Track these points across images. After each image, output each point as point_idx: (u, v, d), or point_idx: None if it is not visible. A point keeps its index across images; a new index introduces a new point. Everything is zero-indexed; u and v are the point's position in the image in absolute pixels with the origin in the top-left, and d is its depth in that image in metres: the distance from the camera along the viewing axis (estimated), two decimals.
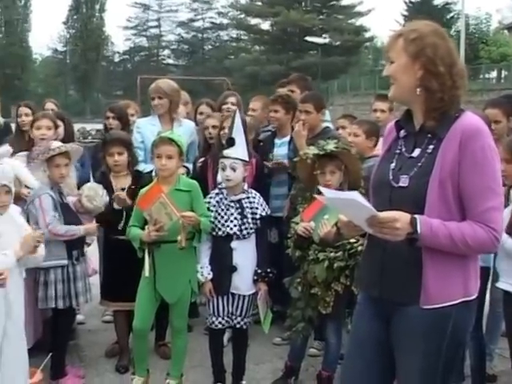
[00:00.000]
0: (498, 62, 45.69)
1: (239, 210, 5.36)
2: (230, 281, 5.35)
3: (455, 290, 3.22)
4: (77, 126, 7.10)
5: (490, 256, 5.03)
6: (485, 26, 59.58)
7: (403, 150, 3.39)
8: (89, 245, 6.20)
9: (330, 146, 5.17)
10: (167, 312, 5.54)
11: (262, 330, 5.61)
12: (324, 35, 68.55)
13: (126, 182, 5.89)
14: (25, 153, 6.07)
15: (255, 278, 5.37)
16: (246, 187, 5.51)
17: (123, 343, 6.13)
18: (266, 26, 67.88)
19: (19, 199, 5.35)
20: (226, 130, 6.43)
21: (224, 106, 7.44)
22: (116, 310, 6.10)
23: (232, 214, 5.33)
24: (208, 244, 5.38)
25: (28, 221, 5.21)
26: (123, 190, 5.79)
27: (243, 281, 5.38)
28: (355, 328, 3.68)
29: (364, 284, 3.61)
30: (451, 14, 62.98)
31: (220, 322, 5.48)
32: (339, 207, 3.35)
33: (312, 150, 5.23)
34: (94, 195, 5.67)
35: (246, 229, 5.35)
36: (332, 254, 5.09)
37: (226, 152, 5.37)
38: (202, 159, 6.57)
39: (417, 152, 3.32)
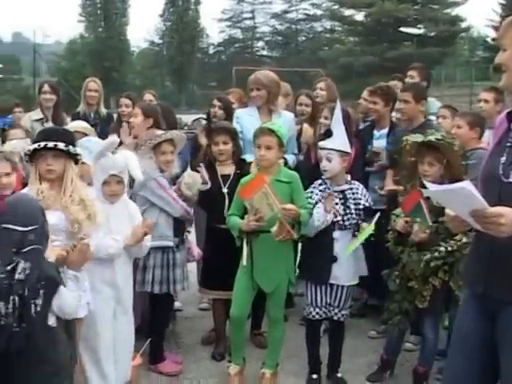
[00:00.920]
0: None
1: (342, 201, 5.33)
2: (330, 271, 5.33)
3: None
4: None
5: None
6: None
7: None
8: (189, 232, 6.25)
9: (431, 136, 5.04)
10: (264, 301, 5.55)
11: (358, 323, 5.54)
12: (419, 26, 67.28)
13: (230, 170, 5.93)
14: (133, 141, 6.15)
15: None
16: (349, 178, 5.48)
17: (220, 331, 6.17)
18: (360, 16, 67.16)
19: None
20: (322, 120, 6.42)
21: (314, 93, 7.49)
22: (214, 299, 6.14)
23: (336, 204, 5.30)
24: None
25: None
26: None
27: (343, 271, 5.34)
28: (459, 325, 3.57)
29: (469, 280, 3.50)
30: None
31: (318, 313, 5.46)
32: (444, 200, 3.25)
33: (413, 138, 5.12)
34: (193, 183, 5.74)
35: (348, 219, 5.32)
36: (429, 255, 4.98)
37: (321, 143, 5.39)
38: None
39: None
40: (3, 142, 5.96)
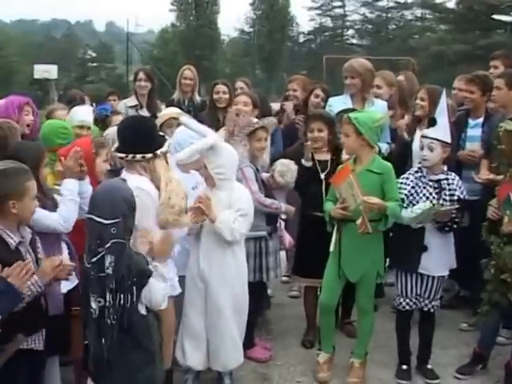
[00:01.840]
0: None
1: (437, 190, 5.24)
2: (419, 260, 5.26)
3: None
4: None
5: None
6: None
7: None
8: (282, 220, 6.27)
9: None
10: (354, 291, 5.51)
11: (448, 315, 5.45)
12: None
13: (327, 158, 5.90)
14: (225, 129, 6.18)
15: None
16: (445, 168, 5.40)
17: (311, 319, 6.17)
18: (451, 4, 65.62)
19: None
20: (418, 101, 6.30)
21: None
22: (306, 286, 6.14)
23: (431, 194, 5.23)
24: None
25: None
26: None
27: (433, 261, 5.27)
28: None
29: None
30: None
31: (408, 304, 5.41)
32: None
33: (509, 125, 4.98)
34: (286, 170, 5.74)
35: None
36: None
37: (425, 131, 5.34)
38: None
39: None
40: (106, 128, 6.06)
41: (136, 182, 4.23)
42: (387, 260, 5.57)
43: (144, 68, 9.10)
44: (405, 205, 5.23)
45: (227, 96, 7.48)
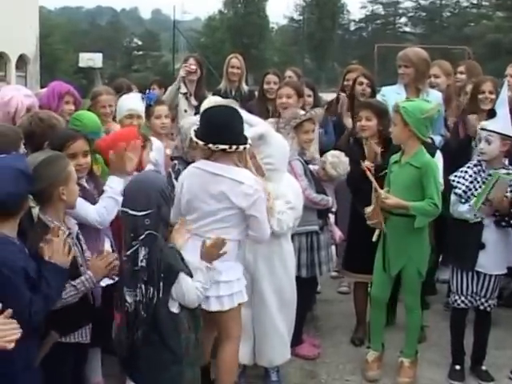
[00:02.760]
0: None
1: None
2: (476, 258, 5.21)
3: None
4: None
5: None
6: None
7: None
8: (333, 213, 6.25)
9: None
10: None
11: (505, 314, 5.37)
12: None
13: (373, 150, 5.77)
14: (273, 120, 6.16)
15: None
16: (506, 162, 5.32)
17: (361, 316, 6.15)
18: None
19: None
20: (487, 94, 6.21)
21: (454, 77, 7.39)
22: (356, 282, 6.11)
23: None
24: None
25: None
26: None
27: (490, 259, 5.21)
28: None
29: None
30: None
31: (463, 301, 5.35)
32: None
33: None
34: (338, 162, 5.70)
35: None
36: None
37: (483, 123, 5.26)
38: None
39: None
40: (148, 118, 6.07)
41: (251, 175, 4.37)
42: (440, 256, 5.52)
43: (194, 54, 9.03)
44: (463, 200, 5.19)
45: (277, 86, 7.48)
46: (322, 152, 6.08)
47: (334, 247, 6.67)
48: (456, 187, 5.24)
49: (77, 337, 3.95)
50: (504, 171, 5.10)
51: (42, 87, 18.19)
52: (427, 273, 5.42)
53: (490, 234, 5.19)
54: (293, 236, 5.35)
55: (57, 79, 6.63)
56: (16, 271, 3.32)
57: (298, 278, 5.43)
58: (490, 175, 5.15)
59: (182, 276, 3.78)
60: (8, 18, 27.63)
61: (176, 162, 5.88)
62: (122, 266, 3.87)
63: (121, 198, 4.27)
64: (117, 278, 4.27)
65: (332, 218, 6.21)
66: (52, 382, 3.70)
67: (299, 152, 5.65)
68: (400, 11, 75.79)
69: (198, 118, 4.80)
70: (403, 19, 76.13)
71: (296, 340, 5.57)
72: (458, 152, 6.04)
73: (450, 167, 5.55)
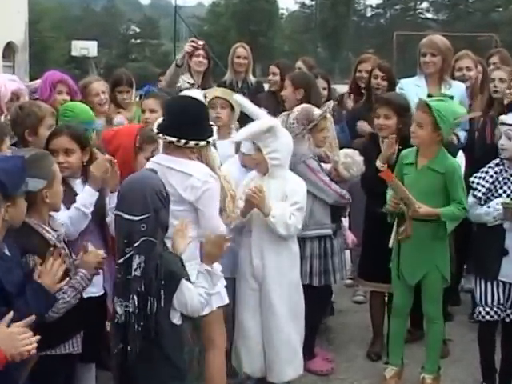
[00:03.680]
0: None
1: None
2: (499, 266, 5.15)
3: None
4: None
5: None
6: None
7: None
8: (345, 217, 6.24)
9: None
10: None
11: None
12: None
13: (393, 148, 5.74)
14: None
15: None
16: None
17: (377, 328, 6.13)
18: None
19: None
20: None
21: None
22: (372, 291, 6.11)
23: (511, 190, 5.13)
24: None
25: None
26: None
27: None
28: None
29: None
30: None
31: (488, 313, 5.27)
32: None
33: None
34: (352, 163, 5.69)
35: None
36: None
37: (502, 117, 5.21)
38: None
39: None
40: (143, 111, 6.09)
41: (203, 168, 4.36)
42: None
43: (201, 42, 8.95)
44: (482, 202, 5.17)
45: (277, 78, 7.50)
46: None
47: (348, 252, 6.69)
48: (476, 189, 5.20)
49: (67, 348, 3.94)
50: None
51: (31, 79, 18.23)
52: (451, 281, 5.42)
53: None
54: (304, 241, 5.38)
55: (48, 69, 6.64)
56: None
57: (310, 287, 5.45)
58: None
59: (184, 283, 3.76)
60: None
61: None
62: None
63: (89, 211, 4.33)
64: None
65: (345, 221, 6.21)
66: None
67: (313, 152, 5.65)
68: None
69: None
70: (424, 4, 75.90)
71: (308, 354, 5.57)
72: (483, 158, 5.82)
73: (474, 170, 5.53)
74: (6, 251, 3.45)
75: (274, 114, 5.76)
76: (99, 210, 4.53)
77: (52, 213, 3.94)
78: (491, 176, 5.21)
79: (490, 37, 24.46)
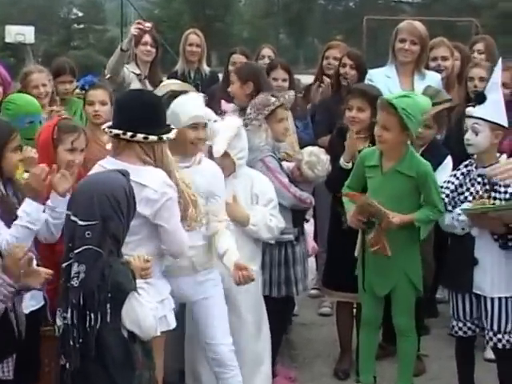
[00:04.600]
0: None
1: (486, 187, 5.09)
2: (471, 277, 5.13)
3: None
4: None
5: None
6: None
7: None
8: (307, 221, 6.26)
9: None
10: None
11: None
12: None
13: (364, 145, 5.73)
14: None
15: None
16: (503, 158, 5.22)
17: (346, 342, 6.13)
18: None
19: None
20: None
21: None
22: (339, 302, 6.13)
23: (477, 192, 5.10)
24: None
25: None
26: None
27: (486, 279, 5.11)
28: None
29: None
30: None
31: (461, 329, 5.30)
32: None
33: None
34: (316, 161, 5.70)
35: None
36: None
37: (469, 109, 5.18)
38: None
39: None
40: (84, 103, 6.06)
41: (159, 176, 4.24)
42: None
43: (148, 25, 8.83)
44: (449, 208, 5.18)
45: None
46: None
47: (313, 259, 6.70)
48: (443, 193, 5.22)
49: None
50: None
51: None
52: (426, 291, 5.46)
53: (482, 248, 5.09)
54: (263, 248, 5.40)
55: None
56: None
57: (269, 298, 5.47)
58: (479, 175, 5.12)
59: (136, 297, 3.65)
60: None
61: None
62: None
63: (37, 227, 4.25)
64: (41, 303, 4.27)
65: (309, 226, 6.23)
66: None
67: (273, 147, 5.66)
68: None
69: None
70: None
71: None
72: (459, 155, 5.80)
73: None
74: None
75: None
76: None
77: None
78: (457, 178, 5.24)
79: (470, 22, 24.63)
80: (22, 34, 35.98)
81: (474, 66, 6.84)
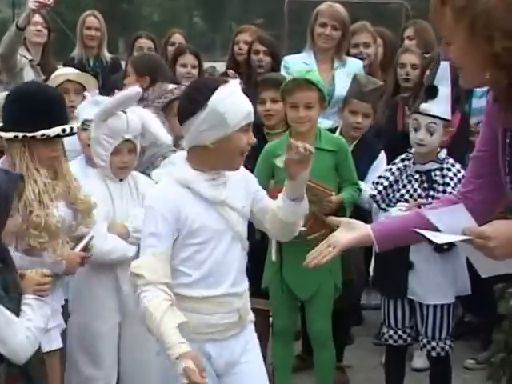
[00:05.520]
0: None
1: (424, 185, 5.16)
2: (405, 282, 5.22)
3: None
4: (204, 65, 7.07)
5: None
6: None
7: None
8: None
9: None
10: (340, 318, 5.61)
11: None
12: None
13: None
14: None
15: None
16: (443, 154, 5.26)
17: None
18: None
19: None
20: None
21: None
22: (255, 308, 6.12)
23: (415, 191, 5.17)
24: None
25: None
26: None
27: (423, 284, 5.20)
28: None
29: None
30: None
31: (391, 336, 5.37)
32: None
33: None
34: None
35: None
36: None
37: (423, 107, 5.12)
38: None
39: None
40: None
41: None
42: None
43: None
44: (383, 206, 5.25)
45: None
46: None
47: None
48: (376, 189, 5.28)
49: None
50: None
51: None
52: (351, 297, 5.57)
53: (418, 251, 5.13)
54: None
55: None
56: None
57: None
58: (417, 172, 5.19)
59: (2, 311, 3.46)
60: None
61: None
62: None
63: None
64: None
65: None
66: None
67: (174, 143, 5.62)
68: None
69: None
70: None
71: None
72: (391, 149, 5.95)
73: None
74: None
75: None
76: None
77: None
78: (393, 173, 5.28)
79: (400, 4, 24.81)
80: None
81: (405, 51, 6.94)
